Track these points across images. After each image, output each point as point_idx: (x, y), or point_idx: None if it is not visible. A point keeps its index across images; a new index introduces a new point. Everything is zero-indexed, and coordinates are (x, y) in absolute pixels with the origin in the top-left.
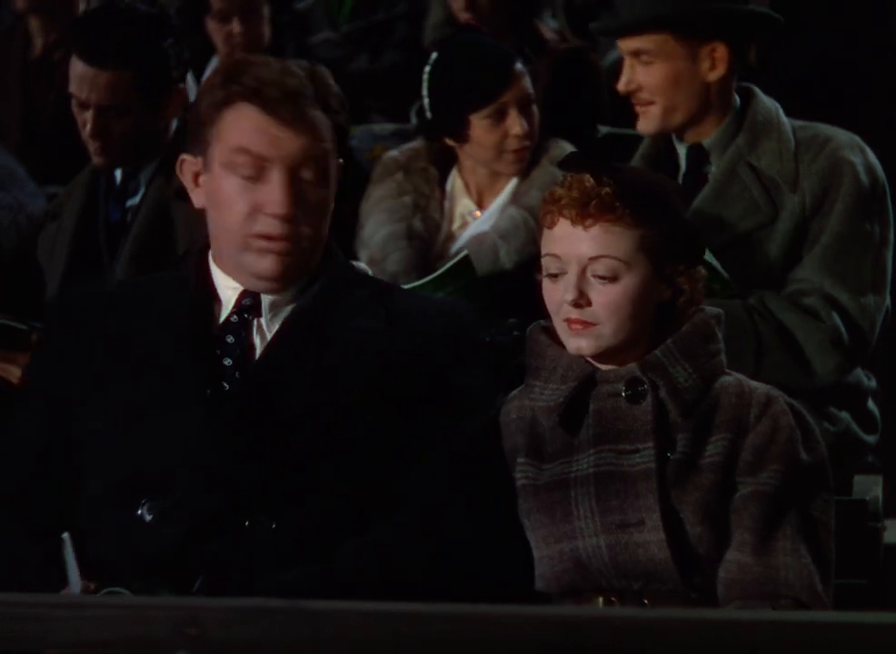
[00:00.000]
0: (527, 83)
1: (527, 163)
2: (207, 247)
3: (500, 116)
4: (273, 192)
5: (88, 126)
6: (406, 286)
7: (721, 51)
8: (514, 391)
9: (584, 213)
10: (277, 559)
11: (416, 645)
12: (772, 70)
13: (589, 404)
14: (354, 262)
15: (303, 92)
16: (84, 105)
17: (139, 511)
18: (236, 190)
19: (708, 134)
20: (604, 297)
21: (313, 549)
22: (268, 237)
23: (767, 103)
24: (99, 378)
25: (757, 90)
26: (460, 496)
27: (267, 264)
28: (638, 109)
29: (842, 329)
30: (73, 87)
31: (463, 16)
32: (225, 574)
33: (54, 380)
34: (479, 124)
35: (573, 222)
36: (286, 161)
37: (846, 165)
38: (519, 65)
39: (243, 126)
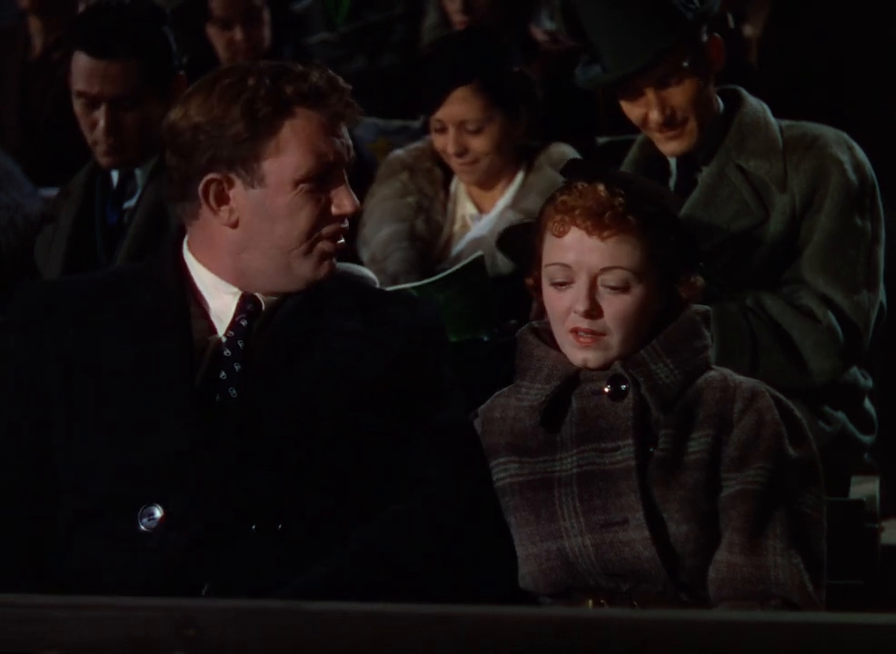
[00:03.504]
0: (470, 105)
1: (479, 175)
2: (179, 248)
3: (442, 129)
4: (341, 193)
5: (102, 123)
6: (416, 283)
7: (716, 39)
8: (503, 390)
9: (600, 223)
10: (284, 561)
11: (413, 645)
12: (771, 70)
13: (572, 403)
14: (362, 269)
15: (348, 88)
16: (94, 102)
17: (137, 521)
18: (304, 200)
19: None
20: (614, 307)
21: (318, 548)
22: (335, 238)
23: (754, 104)
24: (79, 388)
25: (743, 91)
26: (449, 483)
27: (325, 269)
28: (669, 135)
29: (838, 328)
30: (80, 85)
31: (459, 19)
32: (233, 578)
33: (29, 392)
34: (432, 127)
35: (589, 233)
36: (347, 163)
37: (833, 163)
38: (467, 87)
39: (312, 136)
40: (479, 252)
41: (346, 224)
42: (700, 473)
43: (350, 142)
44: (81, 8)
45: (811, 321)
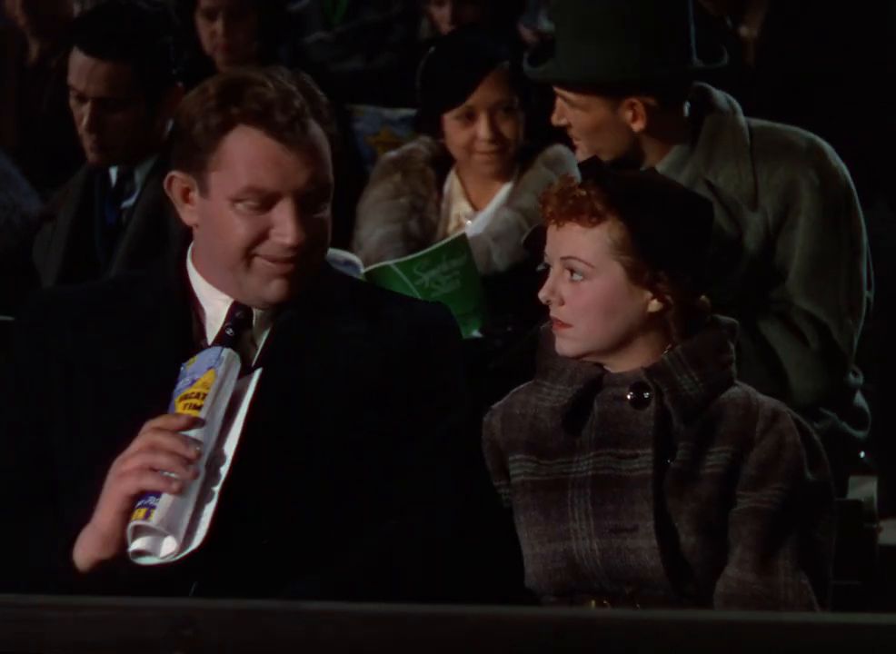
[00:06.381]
0: (502, 88)
1: (504, 164)
2: (183, 254)
3: (469, 118)
4: (284, 223)
5: (85, 119)
6: (400, 260)
7: (639, 107)
8: (521, 386)
9: (559, 213)
10: (272, 565)
11: (413, 645)
12: (769, 71)
13: (593, 406)
14: (346, 254)
15: (305, 110)
16: (81, 97)
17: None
18: (241, 219)
19: (660, 159)
20: (573, 297)
21: (308, 555)
22: (274, 260)
23: (721, 103)
24: (78, 392)
25: (711, 90)
26: (449, 494)
27: (275, 289)
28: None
29: (824, 351)
30: (72, 78)
31: (447, 28)
32: (221, 580)
33: (30, 393)
34: (451, 124)
35: (550, 222)
36: (297, 193)
37: (803, 182)
38: (497, 70)
39: (249, 157)
40: (462, 231)
41: (297, 253)
42: (714, 487)
43: (312, 167)
44: (77, 10)
45: (798, 341)
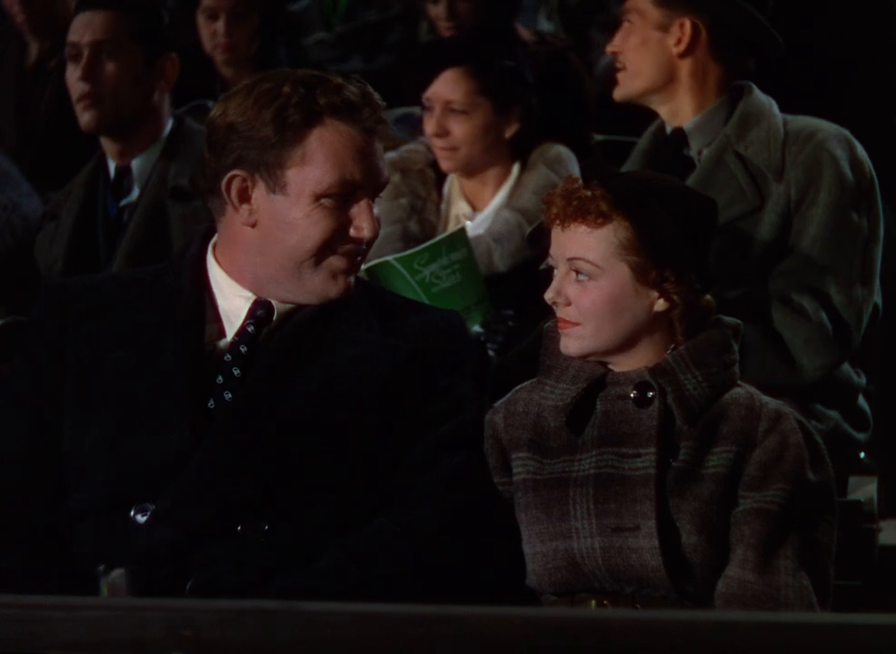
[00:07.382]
0: (458, 87)
1: (457, 164)
2: (203, 251)
3: (430, 111)
4: (363, 217)
5: (80, 70)
6: (399, 255)
7: (687, 27)
8: (524, 384)
9: (564, 214)
10: (269, 564)
11: (413, 645)
12: (769, 71)
13: (597, 405)
14: None
15: (384, 109)
16: (77, 51)
17: (132, 514)
18: (323, 214)
19: (688, 118)
20: (580, 298)
21: (305, 553)
22: (347, 256)
23: (761, 97)
24: (87, 388)
25: (754, 86)
26: (443, 492)
27: (341, 286)
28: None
29: (829, 325)
30: (71, 36)
31: (444, 25)
32: (217, 577)
33: (44, 386)
34: (424, 108)
35: (555, 223)
36: (376, 188)
37: (829, 158)
38: (459, 68)
39: (342, 150)
40: (460, 225)
41: (365, 246)
42: (716, 487)
43: (384, 164)
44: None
45: (803, 318)
